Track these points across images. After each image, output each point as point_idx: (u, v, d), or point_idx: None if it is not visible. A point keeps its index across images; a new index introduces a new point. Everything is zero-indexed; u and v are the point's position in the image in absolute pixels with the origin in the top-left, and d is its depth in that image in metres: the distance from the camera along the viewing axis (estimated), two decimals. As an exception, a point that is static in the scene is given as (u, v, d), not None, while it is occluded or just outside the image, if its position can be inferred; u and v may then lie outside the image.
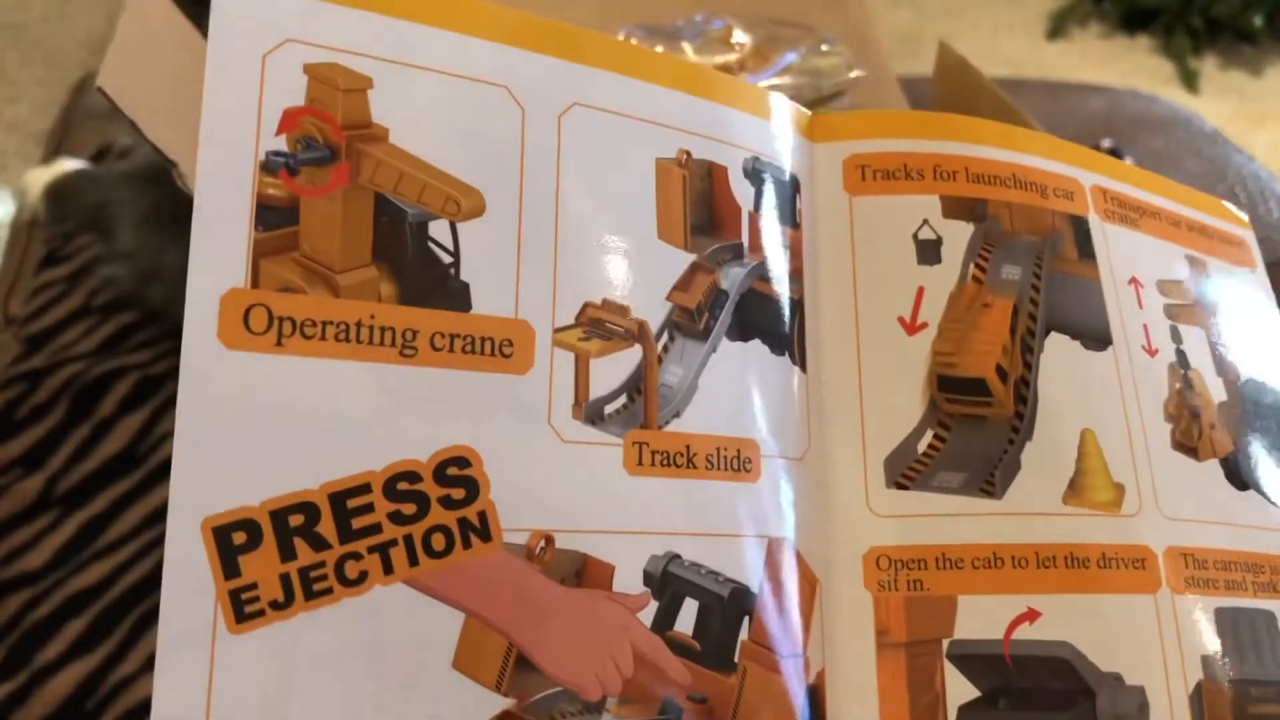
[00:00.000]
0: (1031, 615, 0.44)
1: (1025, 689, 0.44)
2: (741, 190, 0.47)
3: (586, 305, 0.42)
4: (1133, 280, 0.51)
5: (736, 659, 0.43)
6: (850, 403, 0.47)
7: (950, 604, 0.45)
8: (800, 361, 0.47)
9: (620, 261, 0.43)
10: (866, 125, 0.50)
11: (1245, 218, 0.59)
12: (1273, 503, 0.51)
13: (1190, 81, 2.59)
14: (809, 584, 0.45)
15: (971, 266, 0.48)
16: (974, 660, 0.45)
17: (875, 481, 0.46)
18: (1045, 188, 0.51)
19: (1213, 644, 0.46)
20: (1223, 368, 0.53)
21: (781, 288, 0.47)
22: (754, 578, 0.44)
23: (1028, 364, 0.48)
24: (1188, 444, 0.49)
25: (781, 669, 0.44)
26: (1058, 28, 2.73)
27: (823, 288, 0.48)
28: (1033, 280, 0.49)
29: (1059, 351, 0.48)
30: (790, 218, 0.48)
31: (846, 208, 0.49)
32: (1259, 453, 0.52)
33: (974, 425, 0.47)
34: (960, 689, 0.44)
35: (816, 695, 0.44)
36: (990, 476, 0.46)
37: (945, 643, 0.45)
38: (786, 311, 0.47)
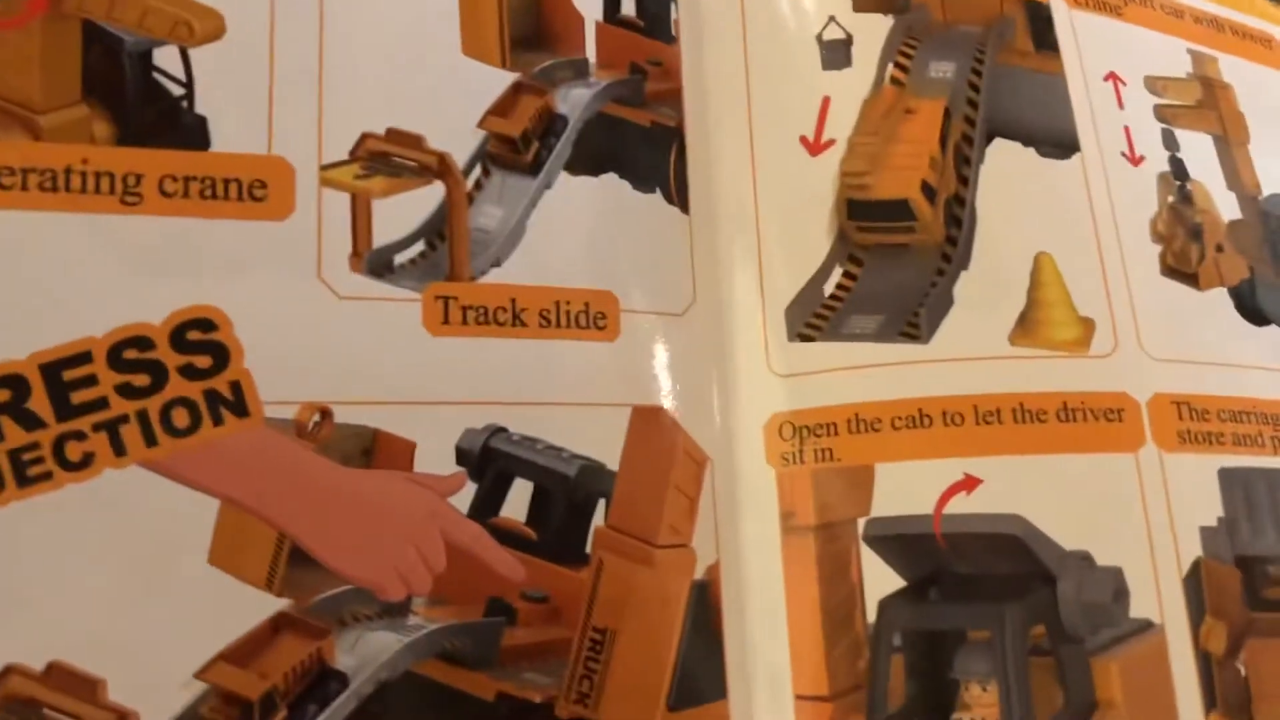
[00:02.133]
0: (969, 484, 0.35)
1: (963, 575, 0.35)
2: (588, -4, 0.39)
3: (365, 136, 0.35)
4: (1110, 76, 0.41)
5: (589, 549, 0.35)
6: (746, 245, 0.38)
7: (866, 475, 0.36)
8: (681, 201, 0.39)
9: (411, 83, 0.36)
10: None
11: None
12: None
13: None
14: (695, 461, 0.37)
15: (890, 67, 0.39)
16: (897, 542, 0.35)
17: (776, 336, 0.38)
18: (989, -32, 0.41)
19: (1216, 512, 0.35)
20: (1237, 180, 0.41)
21: (649, 113, 0.39)
22: (610, 453, 0.36)
23: (964, 178, 0.38)
24: (1183, 269, 0.39)
25: (654, 561, 0.36)
26: None
27: (710, 111, 0.40)
28: (970, 78, 0.39)
29: (1006, 161, 0.38)
30: (664, 29, 0.40)
31: (738, 13, 0.40)
32: (1287, 284, 0.41)
33: (893, 257, 0.38)
34: (881, 578, 0.35)
35: (707, 592, 0.36)
36: (914, 317, 0.37)
37: (861, 522, 0.36)
38: (656, 141, 0.39)
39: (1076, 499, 0.35)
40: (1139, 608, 0.34)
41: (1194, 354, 0.38)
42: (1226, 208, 0.41)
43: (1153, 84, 0.41)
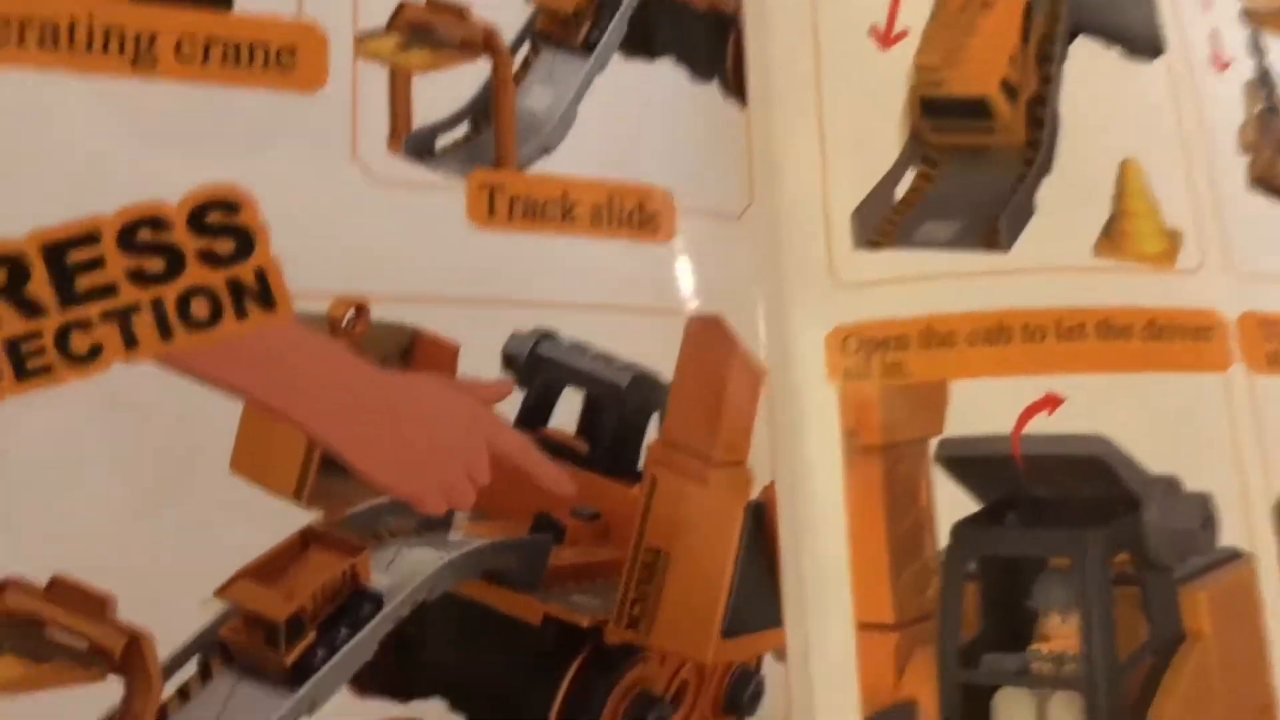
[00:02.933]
0: (1050, 402, 0.33)
1: (1043, 499, 0.33)
2: None
3: (404, 5, 0.31)
4: (1198, -29, 0.38)
5: (641, 466, 0.33)
6: (808, 144, 0.35)
7: (940, 392, 0.33)
8: (738, 92, 0.36)
9: (457, -53, 0.32)
10: None
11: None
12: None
13: None
14: (752, 375, 0.34)
15: (970, -46, 0.36)
16: (972, 463, 0.33)
17: (840, 242, 0.35)
18: None
19: (1309, 437, 0.34)
20: (1327, 87, 0.39)
21: (707, -4, 0.36)
22: (666, 364, 0.33)
23: (1046, 77, 0.35)
24: (1272, 182, 0.37)
25: (709, 480, 0.33)
26: None
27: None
28: (1057, -31, 0.37)
29: (1089, 62, 0.36)
30: None
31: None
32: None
33: (971, 159, 0.35)
34: (953, 502, 0.33)
35: (764, 514, 0.34)
36: (993, 223, 0.34)
37: (933, 443, 0.33)
38: (713, 27, 0.36)
39: (1162, 420, 0.33)
40: (1227, 535, 0.32)
41: (1282, 269, 0.35)
42: (1313, 120, 0.39)
43: (1239, -15, 0.39)
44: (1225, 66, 0.37)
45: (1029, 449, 0.32)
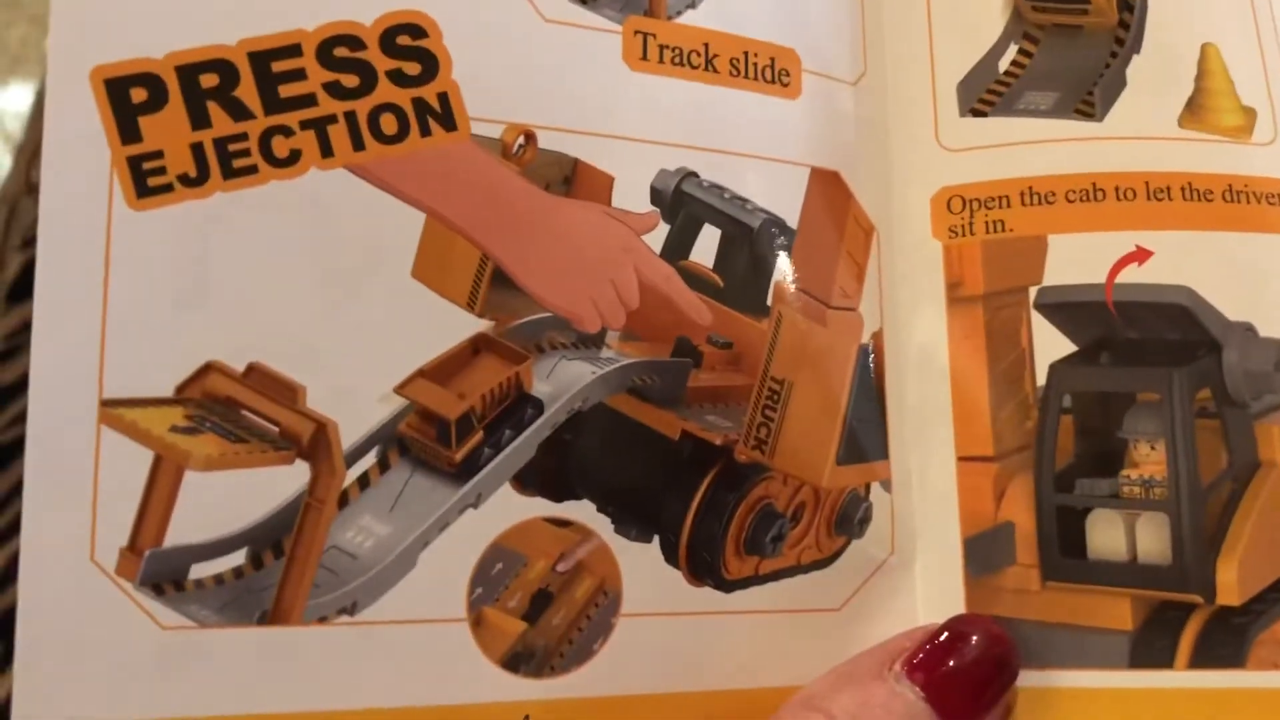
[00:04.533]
0: (1141, 255, 0.36)
1: (1133, 340, 0.36)
2: None
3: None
4: None
5: (770, 302, 0.35)
6: (917, 16, 0.38)
7: (1040, 246, 0.36)
8: (853, -35, 0.38)
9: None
10: None
11: None
12: None
13: None
14: (863, 230, 0.37)
15: None
16: (1069, 309, 0.36)
17: (947, 110, 0.38)
18: None
19: (1374, 294, 0.37)
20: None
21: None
22: (789, 211, 0.36)
23: (1137, -34, 0.39)
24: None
25: (827, 320, 0.36)
26: None
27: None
28: None
29: (1176, -47, 0.39)
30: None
31: None
32: None
33: (1068, 36, 0.38)
34: (1052, 342, 0.36)
35: (872, 358, 0.37)
36: (1089, 95, 0.37)
37: (1033, 291, 0.36)
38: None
39: (1241, 274, 0.36)
40: (1300, 379, 0.36)
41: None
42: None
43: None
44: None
45: (1120, 296, 0.36)
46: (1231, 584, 0.33)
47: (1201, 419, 0.35)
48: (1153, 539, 0.34)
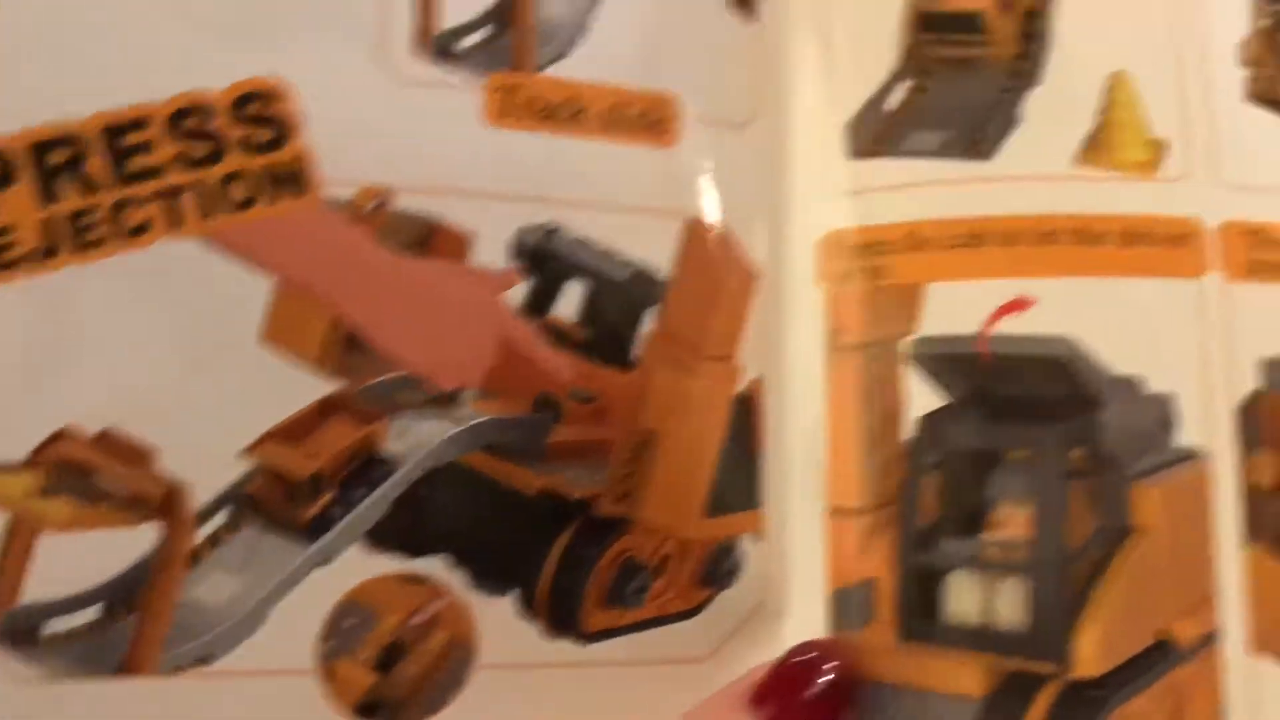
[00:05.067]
0: (1021, 304, 0.35)
1: (1007, 396, 0.35)
2: None
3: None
4: None
5: (638, 355, 0.36)
6: (810, 57, 0.37)
7: (916, 293, 0.35)
8: (746, 4, 0.38)
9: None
10: None
11: None
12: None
13: None
14: (746, 276, 0.37)
15: None
16: (942, 361, 0.35)
17: (836, 153, 0.37)
18: None
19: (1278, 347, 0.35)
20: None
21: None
22: (665, 262, 0.36)
23: (1041, -7, 0.37)
24: (1271, 96, 0.37)
25: (699, 371, 0.36)
26: None
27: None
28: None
29: (1089, -27, 0.37)
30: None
31: None
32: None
33: (961, 72, 0.37)
34: (925, 396, 0.35)
35: (749, 405, 0.36)
36: (979, 133, 0.36)
37: (907, 341, 0.35)
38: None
39: (1133, 324, 0.34)
40: (1187, 436, 0.34)
41: (1275, 181, 0.36)
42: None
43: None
44: (1236, -27, 0.38)
45: (997, 348, 0.34)
46: (1091, 654, 0.32)
47: (1075, 479, 0.34)
48: (1011, 604, 0.33)
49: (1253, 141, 0.37)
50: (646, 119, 0.36)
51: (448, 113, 0.34)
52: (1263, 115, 0.37)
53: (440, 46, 0.34)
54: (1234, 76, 0.37)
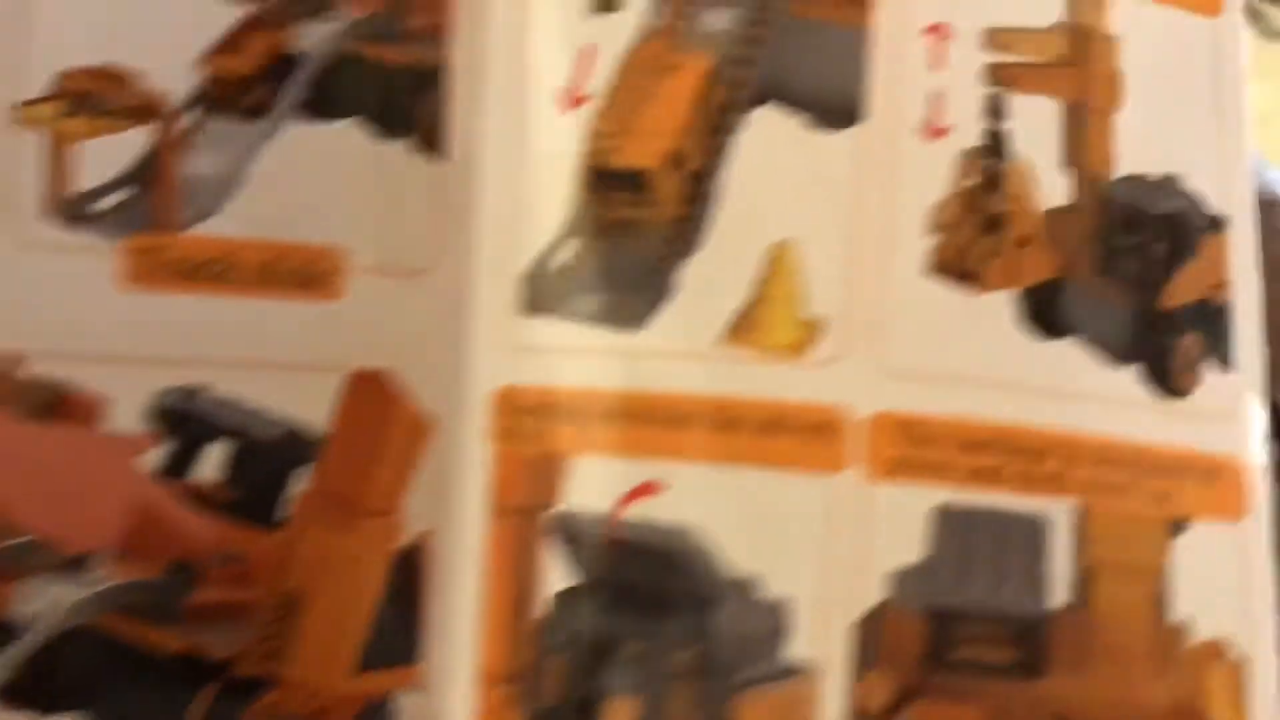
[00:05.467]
0: (650, 488, 0.33)
1: (632, 583, 0.33)
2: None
3: (65, 72, 0.34)
4: (934, 29, 0.35)
5: (288, 514, 0.36)
6: (499, 204, 0.36)
7: (560, 465, 0.34)
8: (434, 150, 0.36)
9: (127, 12, 0.35)
10: None
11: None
12: (1104, 356, 0.34)
13: None
14: (416, 428, 0.36)
15: (661, 14, 0.35)
16: (579, 539, 0.34)
17: (510, 306, 0.36)
18: (808, -106, 0.35)
19: (916, 555, 0.32)
20: (1082, 157, 0.35)
21: (407, 51, 0.36)
22: (322, 418, 0.36)
23: (714, 150, 0.34)
24: (963, 267, 0.34)
25: (356, 528, 0.36)
26: None
27: (487, 48, 0.36)
28: (750, 30, 0.35)
29: (768, 131, 0.34)
30: None
31: (523, -60, 0.36)
32: (1109, 284, 0.35)
33: (626, 232, 0.35)
34: (561, 572, 0.34)
35: (413, 560, 0.36)
36: (633, 301, 0.34)
37: (549, 513, 0.34)
38: (411, 83, 0.36)
39: (763, 519, 0.32)
40: (801, 647, 0.32)
41: (945, 366, 0.33)
42: (1051, 193, 0.35)
43: (996, 38, 0.35)
44: (942, 133, 0.34)
45: (625, 533, 0.33)
46: None
47: (682, 680, 0.32)
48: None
49: (927, 320, 0.34)
50: (307, 273, 0.35)
51: (79, 277, 0.34)
52: (945, 289, 0.34)
53: (73, 209, 0.35)
54: (917, 246, 0.34)
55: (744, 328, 0.33)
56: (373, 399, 0.36)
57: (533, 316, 0.35)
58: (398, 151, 0.36)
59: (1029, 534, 0.33)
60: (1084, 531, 0.33)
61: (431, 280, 0.36)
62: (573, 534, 0.34)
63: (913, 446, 0.33)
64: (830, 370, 0.33)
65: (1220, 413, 0.35)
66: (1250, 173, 0.37)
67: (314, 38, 0.36)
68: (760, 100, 0.34)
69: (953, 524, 0.32)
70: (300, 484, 0.36)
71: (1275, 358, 0.36)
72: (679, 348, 0.34)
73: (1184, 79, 0.37)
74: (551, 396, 0.34)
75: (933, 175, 0.34)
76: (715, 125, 0.34)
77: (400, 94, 0.36)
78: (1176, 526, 0.34)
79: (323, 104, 0.36)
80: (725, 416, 0.33)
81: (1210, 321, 0.35)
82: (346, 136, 0.36)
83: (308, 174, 0.36)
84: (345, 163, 0.36)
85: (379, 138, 0.36)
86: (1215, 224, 0.36)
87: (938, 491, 0.33)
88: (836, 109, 0.34)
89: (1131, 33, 0.37)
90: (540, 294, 0.35)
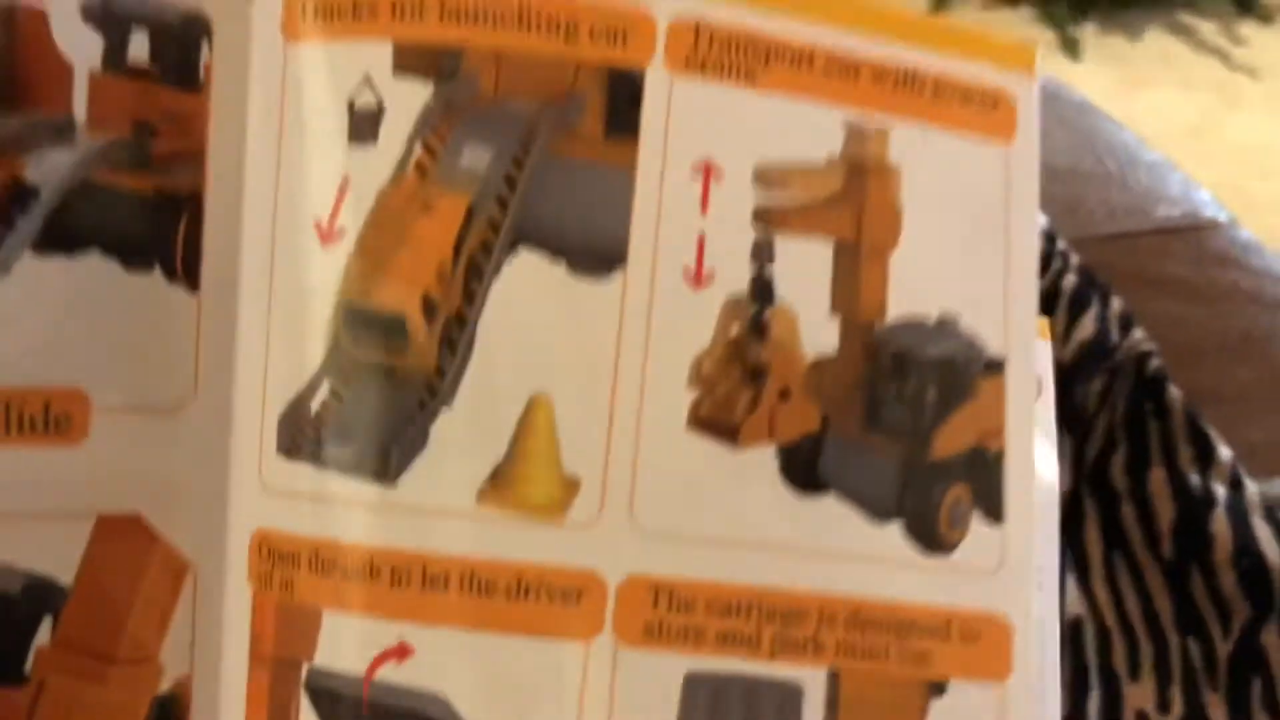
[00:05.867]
0: (401, 651, 0.32)
1: (387, 749, 0.33)
2: (77, 40, 0.34)
3: None
4: (703, 168, 0.34)
5: (30, 670, 0.34)
6: (257, 339, 0.35)
7: (315, 618, 0.33)
8: (188, 279, 0.35)
9: None
10: (319, -64, 0.35)
11: (1035, 61, 0.38)
12: (865, 513, 0.34)
13: (1072, 49, 2.62)
14: (173, 570, 0.35)
15: (418, 149, 0.34)
16: (331, 698, 0.33)
17: (270, 445, 0.34)
18: (573, 26, 0.34)
19: (669, 723, 0.32)
20: (851, 301, 0.34)
21: (154, 178, 0.35)
22: (67, 566, 0.34)
23: (470, 296, 0.33)
24: (723, 421, 0.33)
25: (108, 677, 0.35)
26: (941, 2, 2.71)
27: (244, 174, 0.35)
28: (509, 170, 0.33)
29: (527, 277, 0.33)
30: (188, 75, 0.35)
31: (280, 59, 0.35)
32: (874, 436, 0.34)
33: (383, 379, 0.33)
34: (320, 733, 0.33)
35: (173, 707, 0.35)
36: (387, 453, 0.33)
37: (305, 668, 0.33)
38: (160, 210, 0.35)
39: (514, 688, 0.32)
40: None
41: (701, 527, 0.33)
42: (819, 339, 0.34)
43: (767, 175, 0.34)
44: (704, 280, 0.33)
45: (376, 696, 0.32)
46: None
47: None
48: None
49: (685, 478, 0.33)
50: (47, 417, 0.34)
51: None
52: (705, 444, 0.33)
53: None
54: (679, 400, 0.33)
55: (500, 485, 0.32)
56: (124, 543, 0.34)
57: (290, 460, 0.34)
58: (145, 284, 0.35)
59: (781, 702, 0.32)
60: (837, 697, 0.33)
61: (185, 418, 0.35)
62: (328, 692, 0.33)
63: (664, 611, 0.32)
64: (583, 532, 0.32)
65: (986, 568, 0.34)
66: (1034, 310, 0.37)
67: (51, 166, 0.34)
68: (519, 244, 0.33)
69: (703, 692, 0.32)
70: (42, 639, 0.34)
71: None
72: (433, 504, 0.32)
73: (970, 211, 0.37)
74: (307, 546, 0.33)
75: (696, 325, 0.34)
76: (472, 270, 0.33)
77: (147, 223, 0.35)
78: (935, 688, 0.34)
79: (61, 236, 0.34)
80: (477, 579, 0.32)
81: (981, 471, 0.35)
82: (88, 269, 0.34)
83: (45, 312, 0.34)
84: (86, 298, 0.34)
85: (124, 269, 0.34)
86: (993, 366, 0.36)
87: (689, 658, 0.32)
88: (598, 254, 0.33)
89: (913, 163, 0.36)
90: (296, 438, 0.34)
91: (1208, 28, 2.91)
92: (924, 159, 0.36)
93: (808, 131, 0.35)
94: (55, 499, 0.34)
